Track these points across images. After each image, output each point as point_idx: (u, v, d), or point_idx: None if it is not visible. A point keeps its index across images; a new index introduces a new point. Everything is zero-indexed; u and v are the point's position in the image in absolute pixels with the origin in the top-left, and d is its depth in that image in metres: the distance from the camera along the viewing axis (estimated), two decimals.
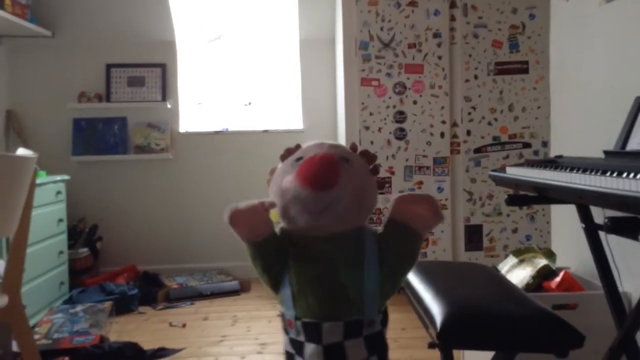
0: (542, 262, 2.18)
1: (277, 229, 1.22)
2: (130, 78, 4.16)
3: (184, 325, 3.18)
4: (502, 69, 3.48)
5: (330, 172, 1.09)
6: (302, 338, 1.13)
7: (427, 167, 3.50)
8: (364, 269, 1.13)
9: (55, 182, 3.52)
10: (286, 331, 1.18)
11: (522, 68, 3.49)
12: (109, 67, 4.15)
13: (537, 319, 1.34)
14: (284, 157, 1.24)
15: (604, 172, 1.44)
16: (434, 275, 1.65)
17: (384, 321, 1.17)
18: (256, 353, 2.76)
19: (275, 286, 1.19)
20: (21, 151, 2.06)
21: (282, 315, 1.20)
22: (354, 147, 1.23)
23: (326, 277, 1.12)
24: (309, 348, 1.11)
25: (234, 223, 1.18)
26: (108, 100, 4.13)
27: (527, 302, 1.43)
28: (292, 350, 1.16)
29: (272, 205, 1.17)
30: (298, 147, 1.24)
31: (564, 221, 2.56)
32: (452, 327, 1.30)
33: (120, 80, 4.14)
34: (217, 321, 3.28)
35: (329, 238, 1.14)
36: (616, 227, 1.25)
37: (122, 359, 2.61)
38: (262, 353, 2.76)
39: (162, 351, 2.78)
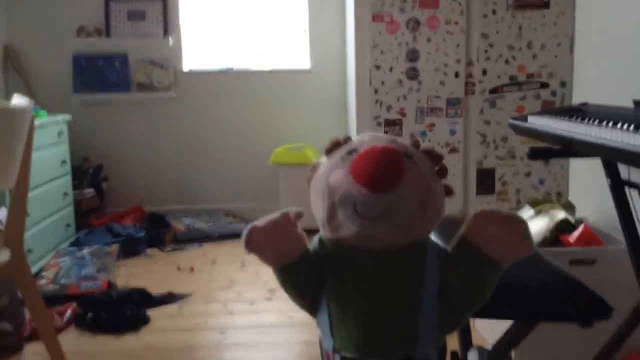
0: (561, 214, 2.10)
1: (312, 241, 1.03)
2: (130, 11, 3.97)
3: (192, 269, 3.16)
4: (522, 3, 3.28)
5: (392, 169, 0.87)
6: None
7: (440, 109, 3.37)
8: (422, 294, 0.92)
9: (56, 122, 3.43)
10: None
11: (542, 2, 3.29)
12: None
13: (560, 287, 1.27)
14: (329, 150, 1.00)
15: (636, 127, 1.34)
16: (446, 235, 1.58)
17: (441, 358, 1.00)
18: (265, 299, 2.75)
19: (313, 311, 1.02)
20: (16, 99, 1.96)
21: (320, 343, 1.04)
22: (416, 144, 1.00)
23: (374, 301, 0.93)
24: None
25: (254, 247, 0.98)
26: (108, 35, 3.96)
27: (547, 266, 1.36)
28: None
29: (300, 215, 0.98)
30: (348, 139, 1.01)
31: (583, 170, 2.47)
32: None
33: (120, 14, 3.96)
34: (225, 265, 3.26)
35: (382, 252, 0.93)
36: None
37: (130, 305, 2.60)
38: (271, 299, 2.74)
39: (171, 296, 2.78)
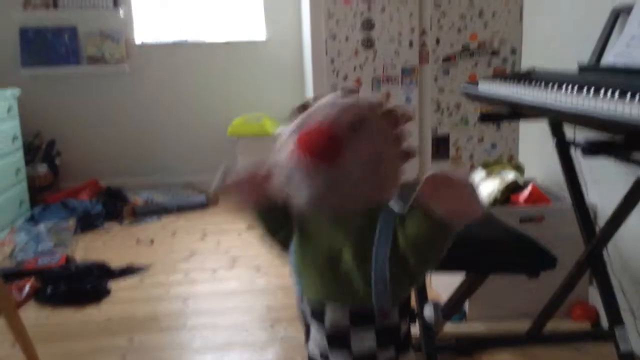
0: (510, 175, 2.19)
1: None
2: None
3: (152, 242, 3.16)
4: None
5: (333, 139, 0.90)
6: (308, 313, 1.05)
7: (395, 78, 3.42)
8: (375, 253, 0.97)
9: (5, 97, 3.33)
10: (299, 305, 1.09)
11: None
12: None
13: (510, 241, 1.35)
14: (291, 120, 1.01)
15: (580, 89, 1.41)
16: (404, 200, 1.63)
17: (403, 315, 1.04)
18: (227, 268, 2.77)
19: (283, 249, 1.09)
20: None
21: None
22: (379, 103, 0.99)
23: (329, 263, 1.00)
24: (314, 325, 1.04)
25: (235, 191, 1.03)
26: (55, 7, 3.84)
27: (497, 223, 1.43)
28: (307, 323, 1.08)
29: (268, 176, 0.99)
30: (306, 107, 1.00)
31: (531, 133, 2.56)
32: None
33: None
34: (186, 236, 3.27)
35: (335, 218, 0.99)
36: (592, 149, 1.23)
37: (90, 278, 2.58)
38: (232, 268, 2.77)
39: (131, 269, 2.77)
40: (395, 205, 1.02)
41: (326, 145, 0.90)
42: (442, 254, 0.97)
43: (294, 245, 1.05)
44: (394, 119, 0.97)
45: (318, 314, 1.02)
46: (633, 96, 1.20)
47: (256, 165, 1.02)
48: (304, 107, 1.01)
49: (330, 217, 0.99)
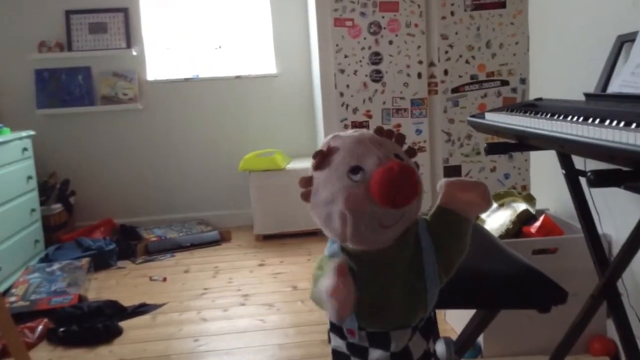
0: (522, 206, 2.16)
1: (330, 248, 1.08)
2: (91, 25, 3.95)
3: (164, 279, 3.15)
4: (479, 3, 3.36)
5: (413, 188, 0.96)
6: (366, 344, 1.07)
7: (405, 109, 3.43)
8: (424, 266, 1.06)
9: (20, 138, 3.39)
10: (341, 335, 1.09)
11: (499, 2, 3.37)
12: (68, 13, 3.93)
13: (519, 275, 1.32)
14: (318, 166, 1.02)
15: (585, 119, 1.39)
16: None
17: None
18: (239, 305, 2.75)
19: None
20: None
21: (331, 323, 1.10)
22: (379, 132, 1.07)
23: (394, 287, 1.04)
24: (375, 353, 1.06)
25: (345, 313, 0.97)
26: (70, 49, 3.94)
27: (509, 256, 1.40)
28: (347, 352, 1.09)
29: (348, 264, 1.00)
30: (330, 150, 1.03)
31: (543, 163, 2.53)
32: None
33: (81, 27, 3.94)
34: (199, 273, 3.26)
35: (391, 244, 1.03)
36: (599, 180, 1.21)
37: (102, 317, 2.58)
38: (244, 305, 2.75)
39: (144, 307, 2.77)
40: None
41: (410, 194, 0.96)
42: (468, 243, 1.11)
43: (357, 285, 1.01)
44: (399, 138, 1.09)
45: (383, 344, 1.06)
46: (639, 125, 1.18)
47: (336, 265, 0.97)
48: (323, 154, 1.04)
49: (388, 246, 1.04)
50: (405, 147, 1.09)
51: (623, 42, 1.81)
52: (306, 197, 1.04)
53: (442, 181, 1.09)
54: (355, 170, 0.98)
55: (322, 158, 1.02)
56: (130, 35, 3.99)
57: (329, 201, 0.99)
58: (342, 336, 1.09)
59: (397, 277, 1.04)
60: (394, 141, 1.07)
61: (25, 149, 3.43)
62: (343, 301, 0.96)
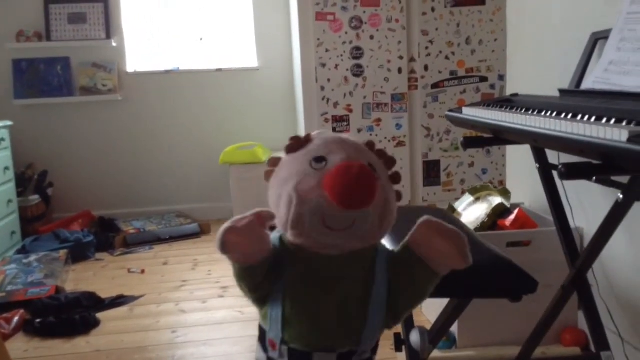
0: (497, 200, 2.20)
1: (272, 237, 1.00)
2: (70, 15, 3.91)
3: (142, 271, 3.14)
4: (460, 0, 3.40)
5: (368, 190, 0.89)
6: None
7: (385, 104, 3.45)
8: (371, 297, 0.98)
9: None
10: (264, 347, 1.04)
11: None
12: (47, 2, 3.89)
13: (491, 265, 1.34)
14: (291, 149, 0.99)
15: (558, 114, 1.42)
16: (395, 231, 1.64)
17: (375, 349, 1.05)
18: (217, 297, 2.76)
19: (261, 304, 1.02)
20: None
21: (262, 330, 1.05)
22: (370, 145, 1.02)
23: (330, 303, 0.97)
24: None
25: (229, 249, 0.93)
26: (48, 39, 3.89)
27: (481, 247, 1.43)
28: None
29: (271, 217, 0.96)
30: (308, 139, 1.00)
31: (518, 158, 2.57)
32: None
33: (60, 17, 3.90)
34: (177, 265, 3.25)
35: (338, 257, 0.96)
36: (570, 173, 1.24)
37: (80, 309, 2.57)
38: (223, 297, 2.76)
39: (121, 299, 2.76)
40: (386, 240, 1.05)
41: (363, 195, 0.89)
42: (427, 296, 1.02)
43: (285, 294, 0.99)
44: (389, 161, 1.01)
45: None
46: (609, 120, 1.21)
47: (260, 215, 0.96)
48: (299, 140, 1.01)
49: (329, 259, 0.97)
50: (391, 172, 1.01)
51: (597, 39, 1.85)
52: (267, 175, 1.01)
53: (422, 218, 0.99)
54: (319, 159, 0.94)
55: (296, 142, 1.00)
56: (110, 25, 3.96)
57: (283, 183, 0.95)
58: (264, 348, 1.04)
59: (335, 294, 0.97)
60: (382, 163, 1.01)
61: (2, 139, 3.39)
62: (239, 230, 0.92)
